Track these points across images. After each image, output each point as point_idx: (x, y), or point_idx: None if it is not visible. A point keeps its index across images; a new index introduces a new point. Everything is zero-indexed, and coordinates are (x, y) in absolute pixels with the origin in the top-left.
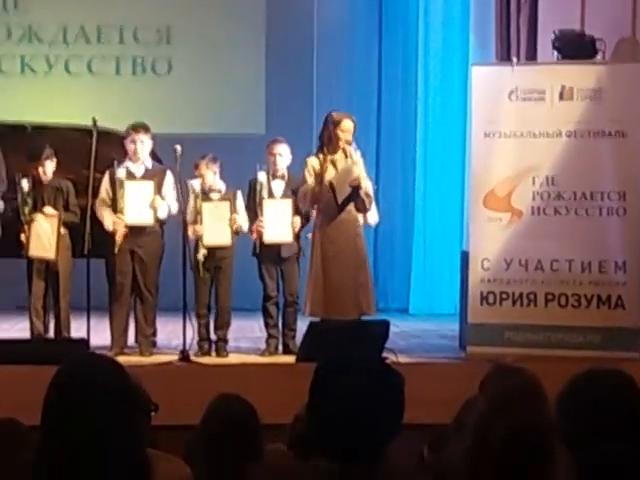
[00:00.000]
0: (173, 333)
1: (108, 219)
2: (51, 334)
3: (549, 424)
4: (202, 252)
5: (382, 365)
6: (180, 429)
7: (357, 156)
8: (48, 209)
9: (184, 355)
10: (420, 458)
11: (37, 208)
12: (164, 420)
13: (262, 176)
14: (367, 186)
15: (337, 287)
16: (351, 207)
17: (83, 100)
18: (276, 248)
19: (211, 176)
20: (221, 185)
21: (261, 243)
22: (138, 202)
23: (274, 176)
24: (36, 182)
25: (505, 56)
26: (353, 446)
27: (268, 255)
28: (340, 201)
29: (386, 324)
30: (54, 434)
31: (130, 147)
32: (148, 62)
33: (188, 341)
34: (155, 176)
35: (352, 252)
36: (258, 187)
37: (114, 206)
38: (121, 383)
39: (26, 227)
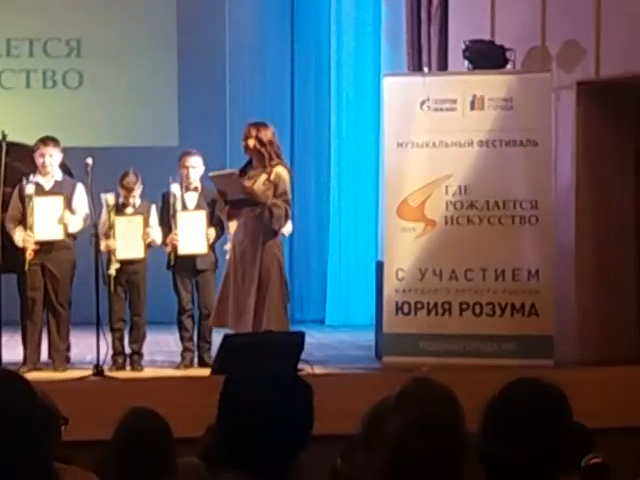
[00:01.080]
0: (87, 348)
1: (18, 235)
2: None
3: (464, 442)
4: (114, 266)
5: (291, 376)
6: (93, 444)
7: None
8: None
9: (98, 370)
10: (333, 469)
11: None
12: (77, 435)
13: (175, 188)
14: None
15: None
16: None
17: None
18: (191, 260)
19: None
20: (137, 200)
21: (176, 255)
22: (47, 218)
23: (187, 188)
24: None
25: (417, 66)
26: (262, 458)
27: (183, 267)
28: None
29: (301, 335)
30: None
31: (39, 160)
32: (59, 75)
33: (102, 355)
34: (65, 189)
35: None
36: (172, 199)
37: (24, 221)
38: (26, 398)
39: None
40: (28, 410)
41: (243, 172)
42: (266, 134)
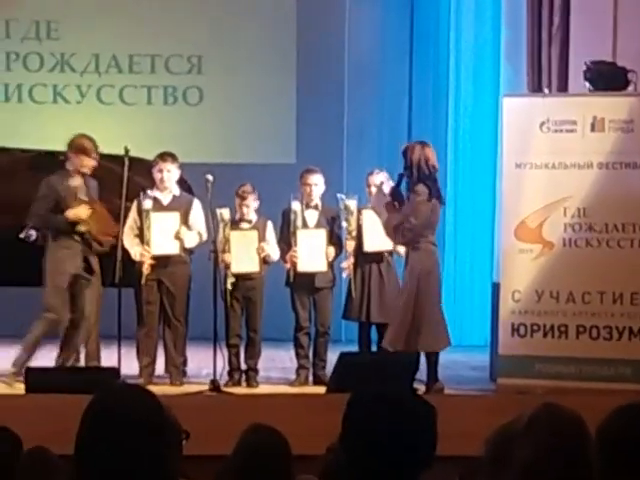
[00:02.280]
0: (203, 362)
1: (135, 249)
2: (82, 363)
3: (592, 468)
4: (230, 280)
5: (415, 397)
6: (210, 459)
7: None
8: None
9: (214, 385)
10: None
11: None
12: (194, 450)
13: (296, 205)
14: None
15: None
16: None
17: (115, 129)
18: (310, 278)
19: (251, 206)
20: (253, 216)
21: (295, 273)
22: (164, 233)
23: (308, 206)
24: None
25: (537, 86)
26: (385, 478)
27: (302, 285)
28: None
29: (416, 355)
30: (87, 463)
31: (157, 176)
32: (179, 91)
33: (219, 371)
34: (182, 205)
35: None
36: (292, 217)
37: (141, 236)
38: (154, 412)
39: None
40: (157, 424)
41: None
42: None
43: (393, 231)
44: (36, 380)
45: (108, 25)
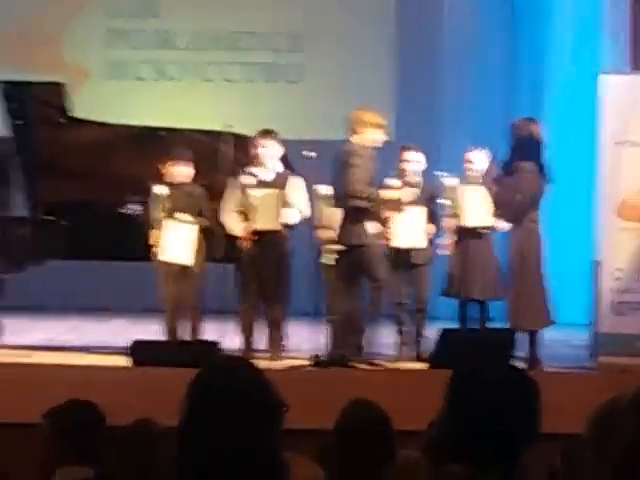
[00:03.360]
0: (304, 338)
1: (233, 225)
2: (184, 337)
3: None
4: (330, 256)
5: (518, 373)
6: (310, 433)
7: None
8: (182, 215)
9: (315, 360)
10: (552, 468)
11: (171, 213)
12: (294, 424)
13: (394, 183)
14: None
15: None
16: None
17: (217, 106)
18: (407, 254)
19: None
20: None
21: (390, 249)
22: (265, 209)
23: (406, 183)
24: (171, 187)
25: (639, 64)
26: (490, 452)
27: (399, 262)
28: None
29: (512, 332)
30: (192, 435)
31: (258, 152)
32: (280, 69)
33: (319, 346)
34: (284, 182)
35: None
36: None
37: (243, 212)
38: (258, 385)
39: (157, 232)
40: (262, 398)
41: None
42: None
43: (503, 206)
44: (142, 353)
45: (210, 2)
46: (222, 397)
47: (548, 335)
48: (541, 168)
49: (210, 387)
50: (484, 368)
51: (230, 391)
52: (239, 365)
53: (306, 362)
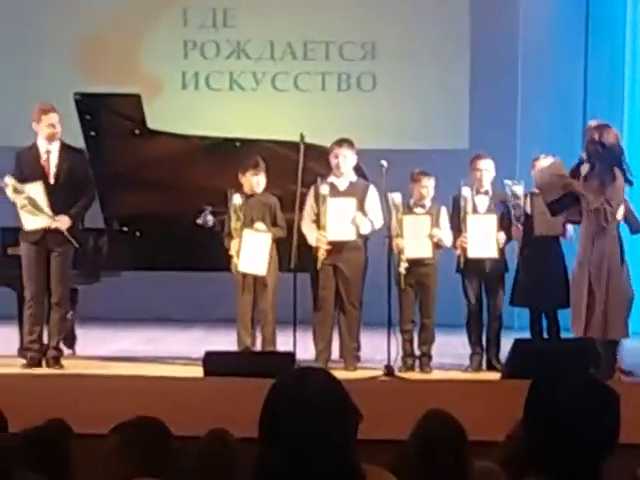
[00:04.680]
0: (377, 348)
1: (312, 235)
2: (258, 347)
3: None
4: (403, 265)
5: (597, 383)
6: (384, 443)
7: None
8: (259, 224)
9: (388, 370)
10: (633, 479)
11: (246, 223)
12: (368, 434)
13: (466, 191)
14: None
15: None
16: None
17: (289, 116)
18: (481, 264)
19: (425, 190)
20: (427, 201)
21: (465, 259)
22: (340, 218)
23: (478, 191)
24: (246, 197)
25: None
26: (569, 463)
27: (472, 271)
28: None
29: (592, 343)
30: (272, 445)
31: (334, 162)
32: (353, 78)
33: (392, 356)
34: (358, 191)
35: None
36: (462, 202)
37: (318, 221)
38: (336, 394)
39: (234, 241)
40: (341, 408)
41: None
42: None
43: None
44: (215, 364)
45: (283, 12)
46: (301, 408)
47: (636, 344)
48: (625, 173)
49: (289, 398)
50: (563, 378)
51: (309, 401)
52: (316, 373)
53: (380, 372)
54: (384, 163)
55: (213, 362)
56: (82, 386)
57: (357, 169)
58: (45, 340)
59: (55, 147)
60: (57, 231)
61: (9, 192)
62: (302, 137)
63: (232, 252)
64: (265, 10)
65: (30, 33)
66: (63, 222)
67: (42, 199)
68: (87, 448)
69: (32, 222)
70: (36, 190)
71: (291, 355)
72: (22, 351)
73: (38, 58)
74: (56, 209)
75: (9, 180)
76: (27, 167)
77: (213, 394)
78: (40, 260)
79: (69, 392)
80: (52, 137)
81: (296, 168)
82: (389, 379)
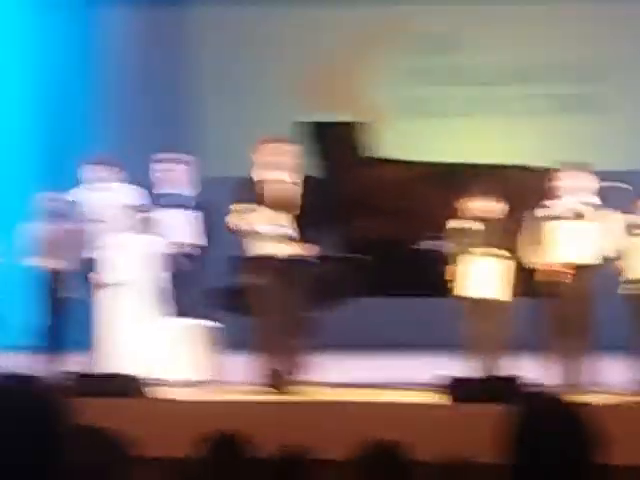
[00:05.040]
0: (615, 371)
1: (544, 258)
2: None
3: None
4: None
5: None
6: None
7: None
8: (488, 249)
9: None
10: None
11: (475, 248)
12: (614, 460)
13: None
14: None
15: None
16: None
17: (518, 140)
18: None
19: None
20: None
21: None
22: (576, 241)
23: None
24: (475, 222)
25: None
26: None
27: None
28: None
29: None
30: (523, 474)
31: (564, 184)
32: (583, 99)
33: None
34: (593, 214)
35: None
36: None
37: (549, 245)
38: (578, 424)
39: (463, 267)
40: (582, 436)
41: None
42: None
43: None
44: (461, 390)
45: (513, 35)
46: (548, 435)
47: None
48: None
49: (534, 426)
50: None
51: (554, 430)
52: (558, 403)
53: (628, 397)
54: (620, 185)
55: (459, 388)
56: (318, 412)
57: (592, 191)
58: (280, 367)
59: (279, 176)
60: (291, 259)
61: (235, 219)
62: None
63: (458, 277)
64: (492, 33)
65: (252, 65)
66: (301, 249)
67: (270, 227)
68: (327, 474)
69: (263, 249)
70: (261, 218)
71: (516, 380)
72: (259, 378)
73: (260, 89)
74: (288, 237)
75: (236, 207)
76: (250, 196)
77: (461, 420)
78: (273, 288)
79: (305, 418)
80: (276, 167)
81: (524, 192)
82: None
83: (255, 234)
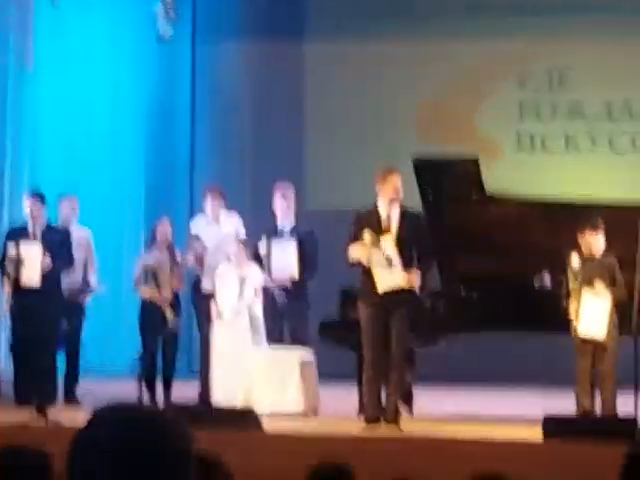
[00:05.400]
0: None
1: None
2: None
3: None
4: None
5: None
6: None
7: None
8: (598, 286)
9: None
10: None
11: (585, 284)
12: None
13: None
14: None
15: None
16: None
17: (627, 177)
18: None
19: None
20: None
21: None
22: None
23: None
24: (585, 258)
25: None
26: None
27: None
28: None
29: None
30: None
31: None
32: None
33: None
34: None
35: None
36: None
37: None
38: None
39: (572, 305)
40: None
41: None
42: None
43: None
44: (555, 428)
45: (620, 70)
46: None
47: None
48: None
49: None
50: None
51: None
52: None
53: None
54: None
55: (553, 426)
56: (419, 447)
57: None
58: (383, 400)
59: (396, 209)
60: (402, 292)
61: (358, 251)
62: None
63: (571, 316)
64: (602, 69)
65: (368, 99)
66: (413, 280)
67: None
68: None
69: (384, 282)
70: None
71: (634, 421)
72: (362, 411)
73: (376, 123)
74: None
75: (367, 236)
76: (368, 227)
77: (554, 458)
78: (380, 321)
79: (408, 453)
80: (394, 199)
81: (636, 230)
82: None
83: (376, 264)
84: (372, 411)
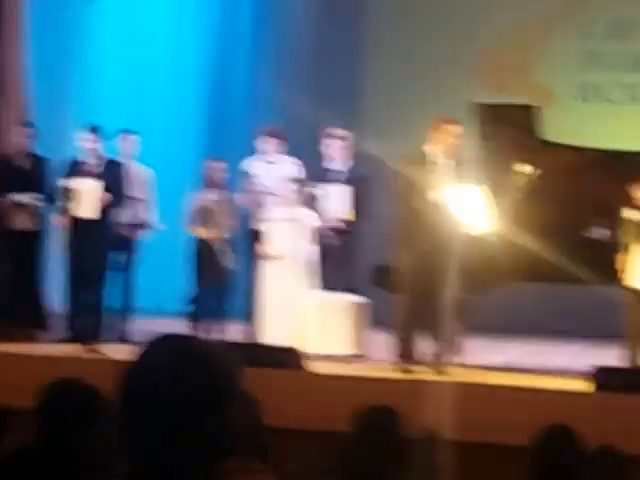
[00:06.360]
0: None
1: None
2: None
3: None
4: None
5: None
6: None
7: None
8: None
9: None
10: None
11: (637, 237)
12: None
13: None
14: None
15: None
16: None
17: None
18: None
19: None
20: None
21: None
22: None
23: None
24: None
25: None
26: None
27: None
28: None
29: None
30: None
31: None
32: None
33: None
34: None
35: None
36: None
37: None
38: None
39: (625, 256)
40: None
41: None
42: None
43: None
44: (607, 379)
45: None
46: None
47: None
48: None
49: None
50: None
51: None
52: None
53: None
54: None
55: (605, 377)
56: (468, 394)
57: None
58: (431, 347)
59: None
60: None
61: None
62: None
63: (622, 267)
64: None
65: (431, 47)
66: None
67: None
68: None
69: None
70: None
71: None
72: (403, 357)
73: (437, 71)
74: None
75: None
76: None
77: (605, 410)
78: (424, 267)
79: (454, 399)
80: (456, 150)
81: None
82: None
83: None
84: (414, 357)
